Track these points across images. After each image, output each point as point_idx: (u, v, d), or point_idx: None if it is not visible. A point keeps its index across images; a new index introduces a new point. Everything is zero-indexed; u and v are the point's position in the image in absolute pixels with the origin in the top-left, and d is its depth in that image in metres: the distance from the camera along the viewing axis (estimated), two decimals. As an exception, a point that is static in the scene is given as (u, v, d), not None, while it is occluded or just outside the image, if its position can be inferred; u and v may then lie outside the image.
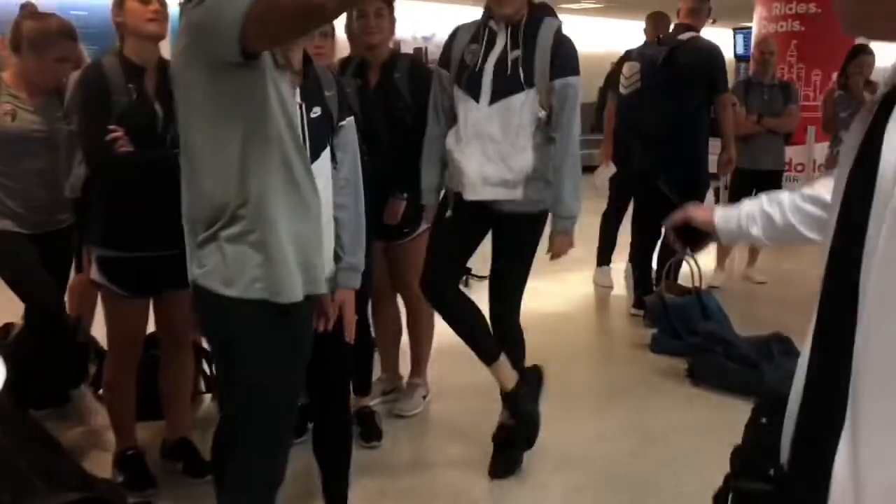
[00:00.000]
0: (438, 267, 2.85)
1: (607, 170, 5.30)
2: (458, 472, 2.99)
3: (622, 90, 4.97)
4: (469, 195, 2.70)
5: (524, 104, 2.62)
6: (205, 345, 3.17)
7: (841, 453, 0.94)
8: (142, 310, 2.75)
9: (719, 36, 10.90)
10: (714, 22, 4.89)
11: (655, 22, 5.56)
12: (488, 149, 2.65)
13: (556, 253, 2.84)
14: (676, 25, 4.77)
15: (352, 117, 2.21)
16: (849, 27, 1.00)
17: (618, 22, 12.82)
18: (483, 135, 2.64)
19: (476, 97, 2.64)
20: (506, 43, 2.65)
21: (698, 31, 4.61)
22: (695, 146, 4.52)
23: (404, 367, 3.65)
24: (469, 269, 5.57)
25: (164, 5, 2.51)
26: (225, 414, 1.98)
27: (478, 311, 2.88)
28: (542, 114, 2.66)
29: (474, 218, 2.79)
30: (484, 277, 5.47)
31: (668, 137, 4.44)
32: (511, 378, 2.86)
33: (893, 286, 0.89)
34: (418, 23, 12.05)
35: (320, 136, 2.06)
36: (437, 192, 2.91)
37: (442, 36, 12.38)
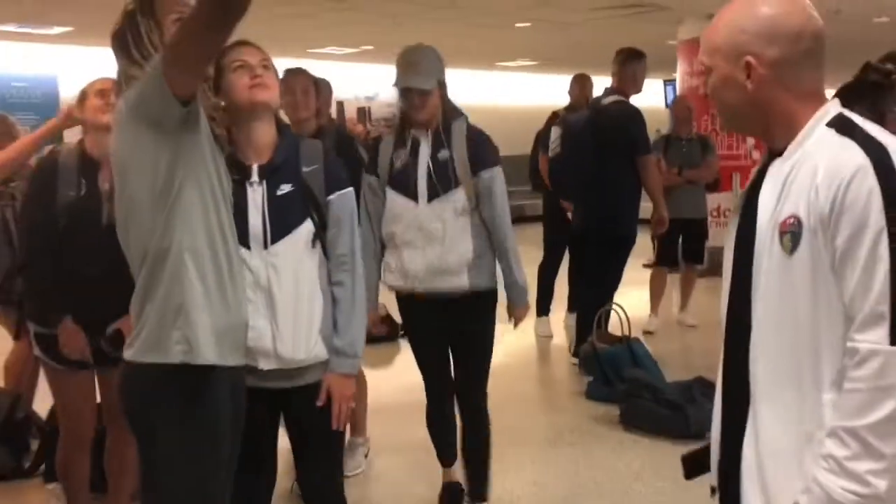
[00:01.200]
0: (436, 398, 3.05)
1: None
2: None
3: (550, 153, 5.23)
4: (421, 287, 2.85)
5: (457, 200, 2.82)
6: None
7: (748, 432, 1.36)
8: (86, 383, 2.75)
9: (650, 87, 11.43)
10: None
11: (581, 83, 5.89)
12: (431, 243, 2.81)
13: (518, 320, 3.03)
14: (605, 89, 4.98)
15: (348, 189, 2.15)
16: (727, 130, 1.51)
17: (551, 77, 13.32)
18: (425, 230, 2.81)
19: (414, 197, 2.82)
20: (430, 146, 2.84)
21: (625, 94, 4.78)
22: (619, 204, 4.72)
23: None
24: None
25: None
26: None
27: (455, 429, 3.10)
28: (472, 203, 2.85)
29: (439, 312, 2.89)
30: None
31: (592, 197, 4.68)
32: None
33: (770, 312, 1.32)
34: (361, 83, 12.37)
35: (289, 213, 2.03)
36: (376, 290, 3.02)
37: (384, 96, 12.76)
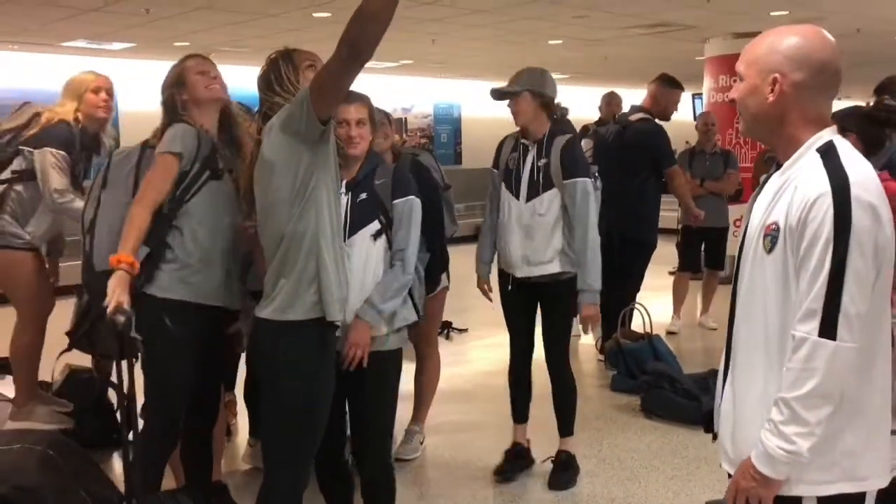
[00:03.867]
0: (518, 350, 3.68)
1: None
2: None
3: None
4: (518, 273, 3.46)
5: (551, 201, 3.40)
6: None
7: (726, 387, 1.72)
8: None
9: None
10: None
11: (608, 100, 6.33)
12: (528, 235, 3.41)
13: (587, 320, 3.50)
14: (632, 106, 5.43)
15: (410, 197, 2.67)
16: (744, 134, 1.85)
17: (582, 89, 13.69)
18: (523, 224, 3.43)
19: (517, 195, 3.45)
20: (534, 154, 3.44)
21: (651, 113, 5.20)
22: (643, 210, 5.15)
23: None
24: (449, 323, 6.17)
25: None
26: (263, 430, 2.45)
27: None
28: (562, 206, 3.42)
29: (527, 291, 3.51)
30: (464, 330, 6.10)
31: (618, 203, 5.07)
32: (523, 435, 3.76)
33: (748, 297, 1.66)
34: (398, 95, 12.87)
35: (363, 214, 2.60)
36: (489, 265, 3.67)
37: (420, 108, 13.30)
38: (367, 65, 2.30)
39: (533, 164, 3.42)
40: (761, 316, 1.63)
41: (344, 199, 2.57)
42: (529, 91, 3.41)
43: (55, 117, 3.73)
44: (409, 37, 8.63)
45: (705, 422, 1.94)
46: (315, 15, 6.99)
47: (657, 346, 4.88)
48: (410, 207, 2.68)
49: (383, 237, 2.64)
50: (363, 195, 2.62)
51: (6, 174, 3.73)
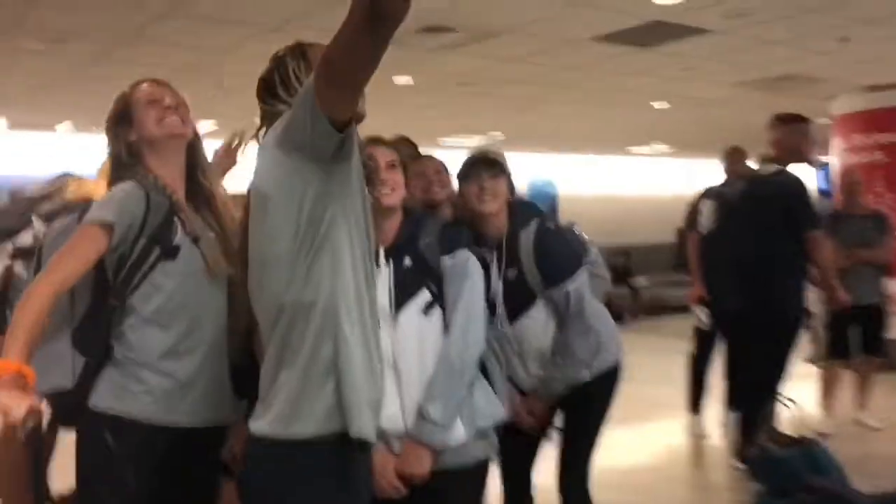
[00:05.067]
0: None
1: (700, 309, 5.12)
2: None
3: (702, 230, 4.82)
4: (544, 396, 2.70)
5: (540, 311, 2.62)
6: None
7: None
8: None
9: (799, 172, 10.75)
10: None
11: (731, 157, 5.50)
12: (532, 357, 2.65)
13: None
14: (762, 158, 4.53)
15: (457, 251, 2.10)
16: None
17: (689, 161, 12.86)
18: (522, 349, 2.64)
19: (498, 322, 2.60)
20: (497, 266, 2.60)
21: (785, 163, 4.30)
22: (784, 282, 4.20)
23: None
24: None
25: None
26: None
27: None
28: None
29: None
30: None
31: (751, 273, 4.19)
32: None
33: None
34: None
35: (409, 284, 2.03)
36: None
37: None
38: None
39: (503, 276, 2.59)
40: None
41: (385, 271, 2.03)
42: (508, 176, 2.64)
43: (81, 196, 3.19)
44: (498, 104, 8.10)
45: None
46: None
47: (816, 454, 3.82)
48: (464, 262, 2.11)
49: (437, 309, 2.06)
50: (408, 260, 2.07)
51: (8, 245, 3.19)
